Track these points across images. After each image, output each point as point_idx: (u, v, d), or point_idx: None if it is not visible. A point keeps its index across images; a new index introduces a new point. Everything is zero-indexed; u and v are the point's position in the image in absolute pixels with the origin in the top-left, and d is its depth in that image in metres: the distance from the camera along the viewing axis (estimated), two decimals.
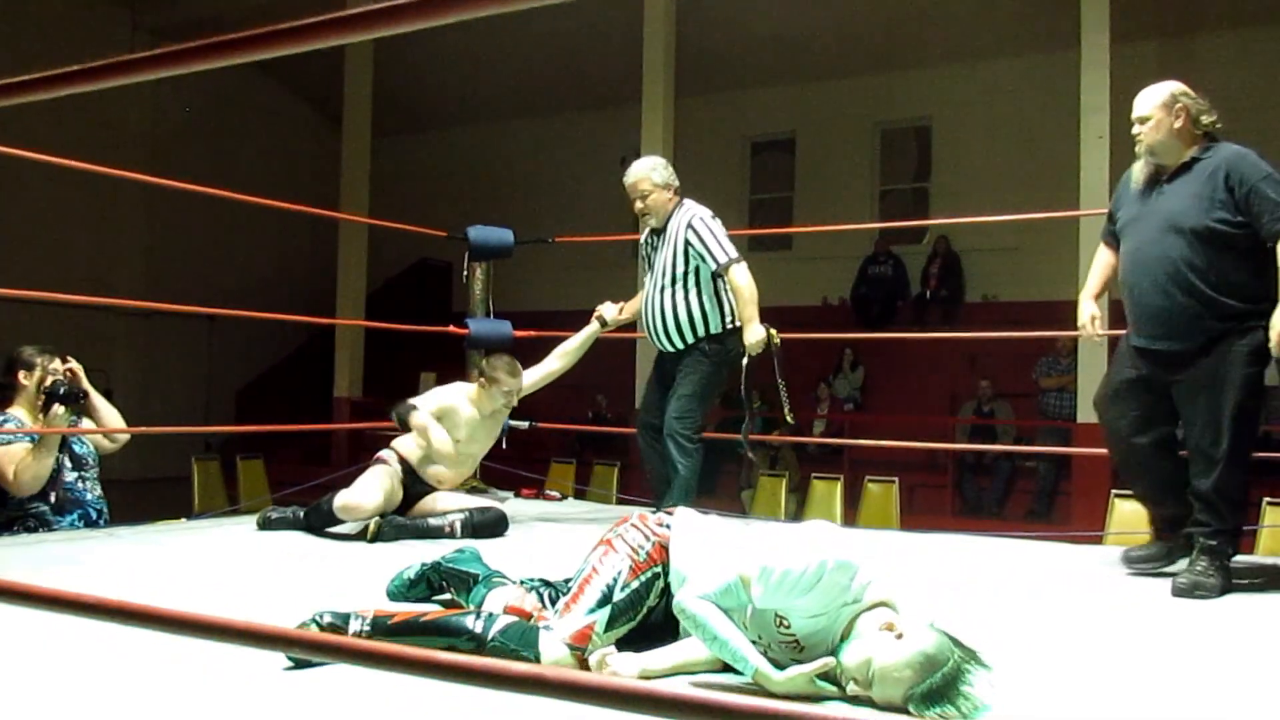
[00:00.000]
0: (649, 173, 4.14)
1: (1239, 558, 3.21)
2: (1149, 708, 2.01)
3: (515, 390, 4.09)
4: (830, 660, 1.90)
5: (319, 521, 3.80)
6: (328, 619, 2.16)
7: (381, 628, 2.16)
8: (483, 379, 4.05)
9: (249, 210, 8.67)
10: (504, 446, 4.57)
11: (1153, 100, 3.10)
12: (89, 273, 11.44)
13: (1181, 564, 3.11)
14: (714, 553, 2.12)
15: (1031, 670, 2.17)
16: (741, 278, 3.99)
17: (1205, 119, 3.07)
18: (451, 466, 4.00)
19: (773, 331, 3.98)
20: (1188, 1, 9.51)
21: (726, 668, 2.04)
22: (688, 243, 4.04)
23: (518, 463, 5.43)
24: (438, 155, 14.06)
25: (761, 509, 7.40)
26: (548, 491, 5.49)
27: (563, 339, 4.42)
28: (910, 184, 12.30)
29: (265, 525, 3.92)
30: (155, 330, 12.57)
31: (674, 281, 4.07)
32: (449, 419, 3.98)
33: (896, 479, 7.24)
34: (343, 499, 3.74)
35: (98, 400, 3.79)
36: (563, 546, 3.56)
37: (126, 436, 3.96)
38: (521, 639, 2.08)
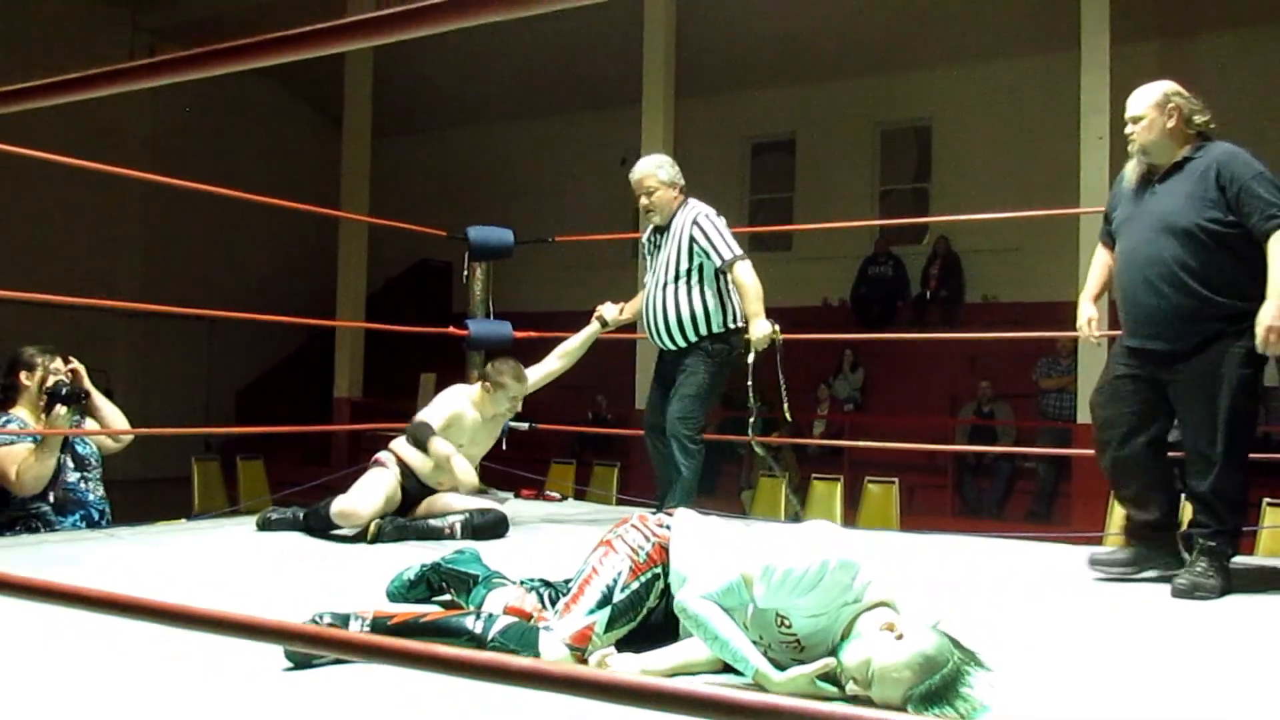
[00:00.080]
0: (655, 170, 4.14)
1: (1239, 559, 3.20)
2: (1149, 708, 2.01)
3: (520, 396, 4.09)
4: (831, 661, 1.90)
5: (318, 525, 3.79)
6: (327, 620, 2.16)
7: (381, 628, 2.16)
8: (487, 383, 4.03)
9: (249, 210, 8.68)
10: (504, 447, 4.57)
11: (1146, 100, 3.10)
12: (89, 273, 11.44)
13: (1150, 574, 3.10)
14: (714, 553, 2.12)
15: (1031, 671, 2.17)
16: (746, 274, 3.98)
17: (1198, 118, 3.07)
18: None
19: (776, 328, 3.97)
20: (1188, 2, 9.51)
21: (726, 668, 2.04)
22: (692, 239, 4.03)
23: (518, 464, 5.43)
24: (438, 155, 14.07)
25: (774, 509, 7.40)
26: (548, 492, 5.49)
27: (562, 340, 4.41)
28: (910, 184, 12.31)
29: (265, 526, 3.92)
30: (155, 330, 12.57)
31: (677, 279, 4.05)
32: (455, 426, 3.97)
33: (896, 480, 7.25)
34: (340, 505, 3.72)
35: (100, 400, 3.79)
36: (563, 547, 3.56)
37: (130, 436, 3.96)
38: (521, 639, 2.08)
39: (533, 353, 4.41)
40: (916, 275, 11.10)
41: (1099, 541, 4.73)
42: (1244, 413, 3.00)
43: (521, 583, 2.46)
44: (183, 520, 4.41)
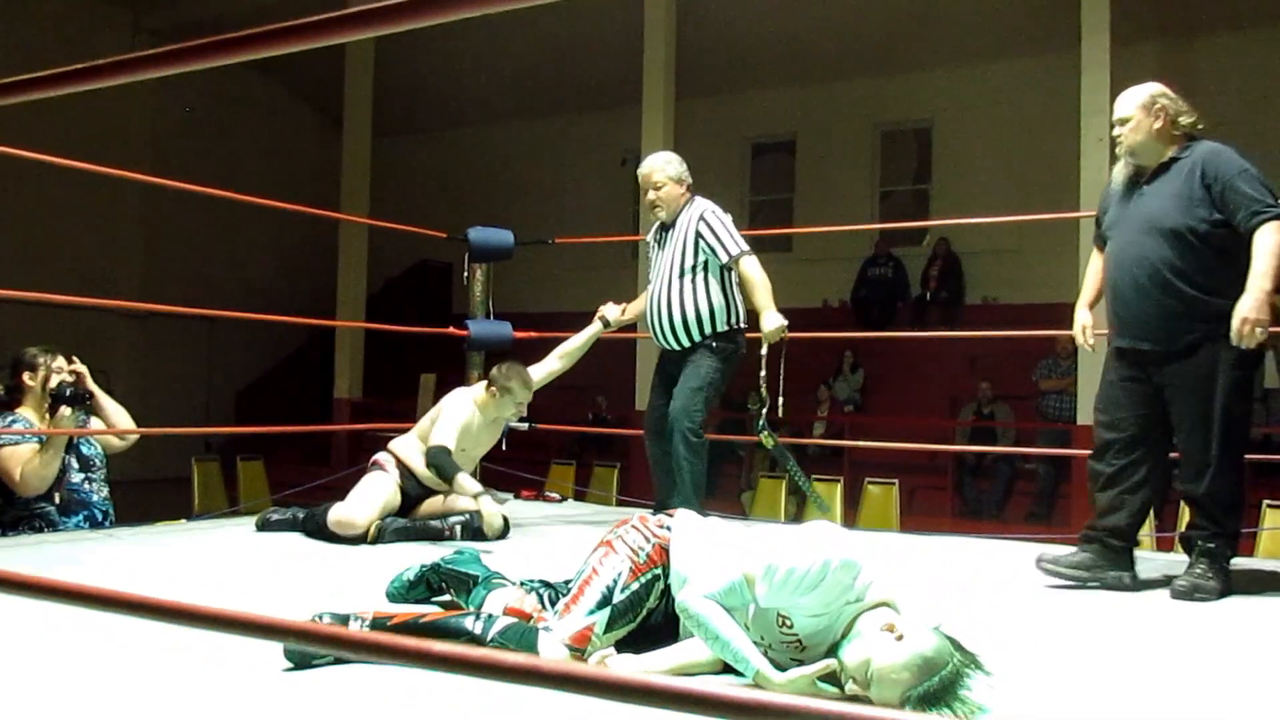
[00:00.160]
0: (664, 165, 4.13)
1: (1238, 560, 3.20)
2: (1148, 710, 2.01)
3: (526, 402, 4.07)
4: (832, 662, 1.90)
5: (315, 530, 3.78)
6: (327, 620, 2.16)
7: (381, 629, 2.16)
8: (493, 388, 4.00)
9: (249, 211, 8.67)
10: (504, 448, 4.56)
11: (1133, 102, 3.11)
12: (89, 273, 11.44)
13: (1097, 586, 3.06)
14: (715, 553, 2.12)
15: (1031, 672, 2.17)
16: (754, 268, 3.96)
17: (1184, 120, 3.07)
18: None
19: (785, 322, 3.93)
20: (1188, 4, 9.52)
21: (726, 669, 2.04)
22: (699, 234, 4.00)
23: (518, 464, 5.43)
24: (438, 156, 14.07)
25: (774, 510, 7.39)
26: (548, 493, 5.49)
27: (563, 341, 4.41)
28: (910, 186, 12.31)
29: (265, 527, 3.92)
30: (155, 331, 12.57)
31: (682, 275, 4.03)
32: (463, 434, 3.94)
33: (896, 481, 7.25)
34: (337, 515, 3.71)
35: (105, 400, 3.79)
36: (563, 548, 3.56)
37: (135, 436, 3.96)
38: (521, 640, 2.08)
39: (533, 353, 4.41)
40: (916, 276, 11.11)
41: None
42: (1237, 414, 2.99)
43: (521, 583, 2.46)
44: (183, 521, 4.41)
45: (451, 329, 5.25)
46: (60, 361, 3.69)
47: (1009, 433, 9.22)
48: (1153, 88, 3.11)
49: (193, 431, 10.99)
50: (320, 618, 2.17)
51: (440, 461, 3.78)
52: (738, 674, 1.99)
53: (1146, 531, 3.85)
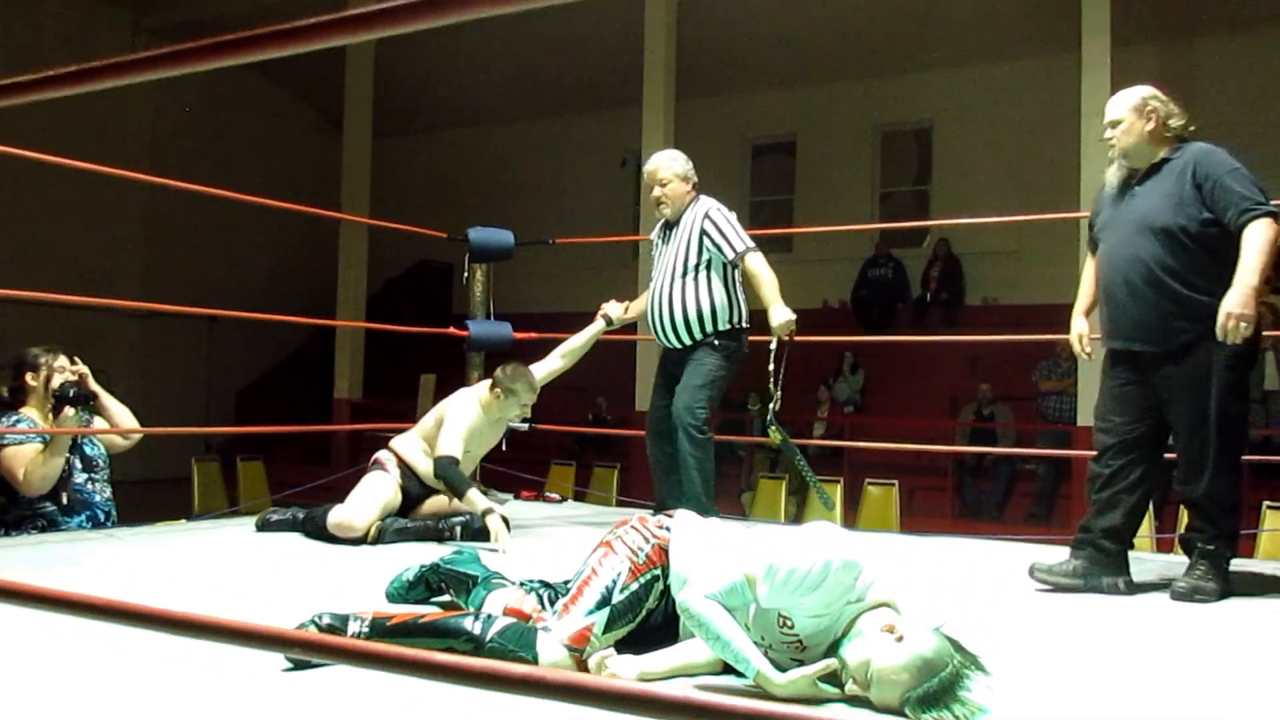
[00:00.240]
0: (670, 162, 4.13)
1: (1238, 561, 3.20)
2: (1148, 711, 2.01)
3: (530, 404, 4.07)
4: (832, 662, 1.90)
5: (315, 532, 3.78)
6: (326, 620, 2.16)
7: (380, 629, 2.16)
8: (498, 389, 3.98)
9: (249, 211, 8.67)
10: (504, 449, 4.56)
11: (1124, 104, 3.11)
12: (89, 273, 11.43)
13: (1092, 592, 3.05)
14: (715, 554, 2.12)
15: (1031, 673, 2.17)
16: (760, 264, 3.95)
17: (1175, 121, 3.07)
18: None
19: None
20: (1188, 5, 9.52)
21: (726, 670, 2.04)
22: (704, 232, 3.99)
23: (518, 465, 5.43)
24: (438, 157, 14.07)
25: (774, 510, 7.39)
26: (548, 494, 5.49)
27: (562, 341, 4.40)
28: (911, 187, 12.31)
29: (264, 527, 3.92)
30: (155, 330, 12.57)
31: (685, 273, 4.01)
32: (469, 438, 3.94)
33: (896, 482, 7.24)
34: (336, 517, 3.70)
35: (108, 400, 3.80)
36: (562, 548, 3.56)
37: (138, 435, 3.96)
38: (519, 640, 2.08)
39: (533, 354, 4.40)
40: (917, 277, 11.11)
41: None
42: (1234, 414, 2.99)
43: (521, 584, 2.46)
44: (183, 521, 4.41)
45: (451, 329, 5.25)
46: (62, 360, 3.69)
47: (1009, 433, 9.22)
48: (1144, 90, 3.12)
49: (193, 431, 10.99)
50: (320, 618, 2.16)
51: (450, 476, 3.76)
52: (738, 674, 1.99)
53: (1146, 533, 3.84)
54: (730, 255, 3.97)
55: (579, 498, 6.19)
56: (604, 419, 10.38)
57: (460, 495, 3.74)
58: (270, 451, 9.09)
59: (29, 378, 3.66)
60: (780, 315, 3.87)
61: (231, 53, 0.97)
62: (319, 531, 3.74)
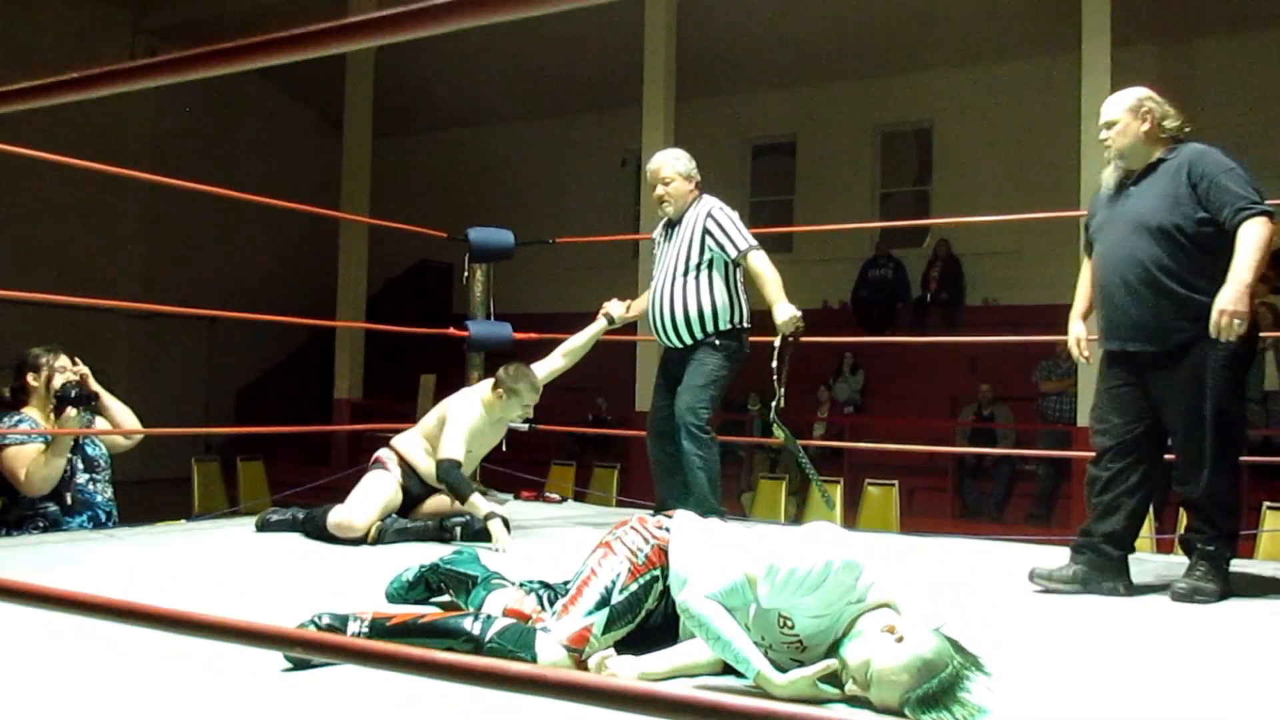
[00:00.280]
0: (673, 161, 4.12)
1: (1238, 562, 3.20)
2: (1148, 712, 2.01)
3: (532, 404, 4.06)
4: (833, 662, 1.90)
5: (315, 532, 3.78)
6: (326, 620, 2.16)
7: (380, 629, 2.16)
8: (500, 389, 3.98)
9: (249, 211, 8.69)
10: (504, 449, 4.56)
11: (1119, 105, 3.11)
12: (89, 273, 11.44)
13: (1107, 584, 3.05)
14: (715, 554, 2.12)
15: (1031, 673, 2.17)
16: (763, 263, 3.94)
17: (1170, 122, 3.08)
18: None
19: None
20: (1188, 6, 9.52)
21: (726, 670, 2.04)
22: (706, 231, 3.98)
23: (518, 465, 5.43)
24: (438, 157, 14.07)
25: (774, 511, 7.39)
26: (548, 494, 5.49)
27: (562, 341, 4.40)
28: (911, 187, 12.31)
29: (264, 527, 3.92)
30: (155, 331, 12.58)
31: (687, 272, 4.00)
32: (471, 437, 3.94)
33: (896, 482, 7.25)
34: (336, 518, 3.70)
35: (110, 400, 3.80)
36: (562, 549, 3.56)
37: (140, 435, 3.97)
38: (519, 641, 2.08)
39: (533, 354, 4.40)
40: (917, 278, 11.11)
41: None
42: (1232, 415, 2.99)
43: (520, 584, 2.46)
44: (183, 521, 4.41)
45: (452, 329, 5.25)
46: (64, 361, 3.70)
47: (1009, 434, 9.22)
48: (1139, 91, 3.12)
49: (193, 432, 10.99)
50: (320, 618, 2.17)
51: (452, 479, 3.77)
52: (738, 675, 1.99)
53: (1146, 533, 3.84)
54: (733, 254, 3.96)
55: (579, 498, 6.19)
56: (604, 419, 10.38)
57: (463, 500, 3.74)
58: (270, 451, 9.10)
59: (30, 378, 3.66)
60: (784, 312, 3.86)
61: (233, 60, 0.98)
62: (319, 532, 3.74)
